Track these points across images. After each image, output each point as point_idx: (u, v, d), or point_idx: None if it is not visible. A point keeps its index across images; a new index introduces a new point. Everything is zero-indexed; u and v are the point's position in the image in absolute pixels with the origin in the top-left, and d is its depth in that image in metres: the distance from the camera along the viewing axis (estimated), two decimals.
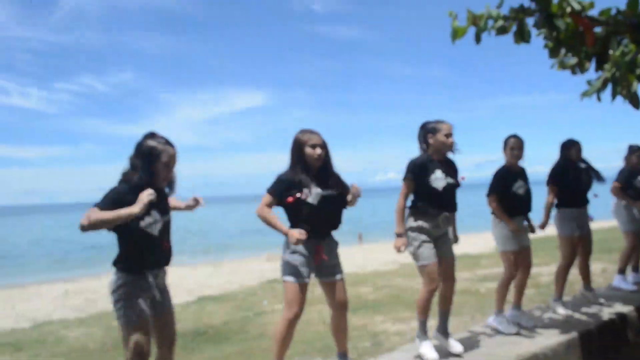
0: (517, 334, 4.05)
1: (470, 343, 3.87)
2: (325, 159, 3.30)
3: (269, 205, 3.27)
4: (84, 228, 2.56)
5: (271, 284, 9.99)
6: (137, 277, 2.70)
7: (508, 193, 4.24)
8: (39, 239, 34.76)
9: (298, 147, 3.26)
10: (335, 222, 3.36)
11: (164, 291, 2.88)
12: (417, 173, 3.62)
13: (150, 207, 2.68)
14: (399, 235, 3.61)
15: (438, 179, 3.59)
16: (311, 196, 3.18)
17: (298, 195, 3.18)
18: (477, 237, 15.29)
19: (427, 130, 3.70)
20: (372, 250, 16.18)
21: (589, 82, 3.81)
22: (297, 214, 3.23)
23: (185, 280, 11.70)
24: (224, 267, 14.20)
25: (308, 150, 3.23)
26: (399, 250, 3.61)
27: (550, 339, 3.86)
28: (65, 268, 19.99)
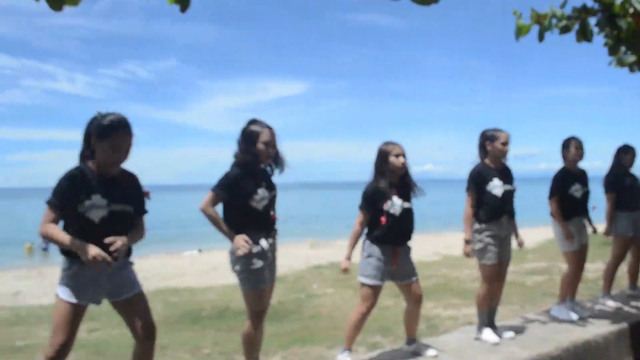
0: (574, 321, 4.23)
1: (526, 329, 4.07)
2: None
3: (362, 224, 3.52)
4: (202, 211, 3.08)
5: (318, 269, 10.32)
6: (254, 245, 3.05)
7: (565, 195, 4.37)
8: None
9: (383, 157, 3.50)
10: (412, 231, 3.62)
11: (274, 258, 3.23)
12: (477, 182, 3.84)
13: (258, 185, 3.03)
14: (467, 242, 3.82)
15: (496, 186, 3.79)
16: (394, 207, 3.45)
17: (385, 208, 3.44)
18: (522, 232, 15.30)
19: (485, 138, 3.91)
20: (414, 242, 16.34)
21: None
22: (380, 222, 3.47)
23: None
24: None
25: (392, 159, 3.47)
26: (467, 255, 3.82)
27: (601, 328, 4.03)
28: None
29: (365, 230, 3.57)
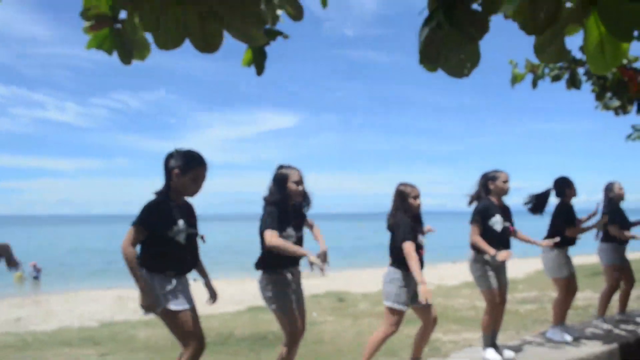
0: (568, 342, 4.56)
1: (524, 349, 4.38)
2: None
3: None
4: (269, 246, 3.28)
5: (316, 298, 10.53)
6: (280, 276, 3.37)
7: (573, 225, 4.84)
8: (76, 248, 35.72)
9: (403, 197, 3.87)
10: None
11: (299, 286, 3.51)
12: (482, 216, 4.20)
13: (288, 223, 3.35)
14: (495, 255, 4.06)
15: (497, 222, 4.18)
16: (422, 239, 3.86)
17: (419, 242, 3.83)
18: (511, 264, 15.70)
19: (487, 178, 4.32)
20: None
21: (634, 127, 4.36)
22: (418, 254, 3.80)
23: (231, 292, 12.34)
24: None
25: (411, 201, 3.85)
26: (507, 258, 4.07)
27: (593, 348, 4.36)
28: (109, 277, 20.78)
29: (390, 260, 3.88)
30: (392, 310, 3.79)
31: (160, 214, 2.88)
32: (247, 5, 1.46)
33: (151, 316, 9.23)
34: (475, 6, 1.59)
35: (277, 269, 3.39)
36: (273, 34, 1.78)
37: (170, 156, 2.97)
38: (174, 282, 2.88)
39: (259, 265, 3.44)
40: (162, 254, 2.88)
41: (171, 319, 2.85)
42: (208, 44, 1.53)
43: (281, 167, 3.55)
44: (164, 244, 2.87)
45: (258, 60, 1.80)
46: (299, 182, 3.48)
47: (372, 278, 15.86)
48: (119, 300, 12.03)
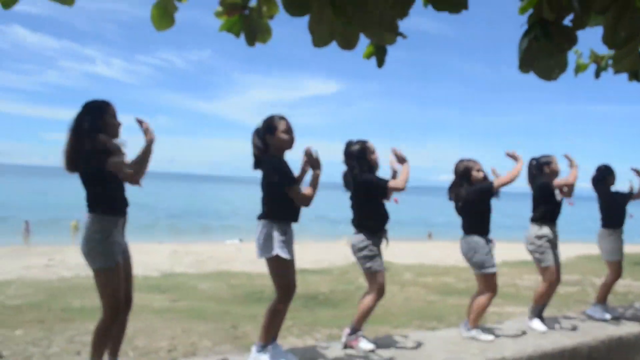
0: (608, 320, 4.88)
1: (567, 323, 4.71)
2: None
3: None
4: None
5: None
6: (377, 239, 3.80)
7: (622, 209, 5.28)
8: None
9: (468, 172, 4.25)
10: None
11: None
12: (546, 193, 4.62)
13: None
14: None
15: (557, 195, 4.62)
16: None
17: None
18: None
19: (541, 164, 4.72)
20: (445, 247, 16.94)
21: None
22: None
23: None
24: (308, 247, 15.38)
25: (474, 173, 4.24)
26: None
27: (632, 328, 4.65)
28: (158, 232, 21.81)
29: (467, 227, 4.23)
30: (486, 276, 4.15)
31: (288, 168, 3.24)
32: (384, 17, 1.84)
33: (207, 270, 9.87)
34: (566, 22, 1.92)
35: (377, 232, 3.81)
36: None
37: (256, 131, 3.30)
38: (288, 233, 3.27)
39: (361, 228, 3.82)
40: (288, 204, 3.22)
41: (277, 265, 3.22)
42: (348, 43, 1.93)
43: (351, 143, 3.88)
44: (287, 195, 3.21)
45: (379, 55, 2.15)
46: (374, 150, 3.87)
47: (411, 251, 16.25)
48: (174, 254, 12.80)
